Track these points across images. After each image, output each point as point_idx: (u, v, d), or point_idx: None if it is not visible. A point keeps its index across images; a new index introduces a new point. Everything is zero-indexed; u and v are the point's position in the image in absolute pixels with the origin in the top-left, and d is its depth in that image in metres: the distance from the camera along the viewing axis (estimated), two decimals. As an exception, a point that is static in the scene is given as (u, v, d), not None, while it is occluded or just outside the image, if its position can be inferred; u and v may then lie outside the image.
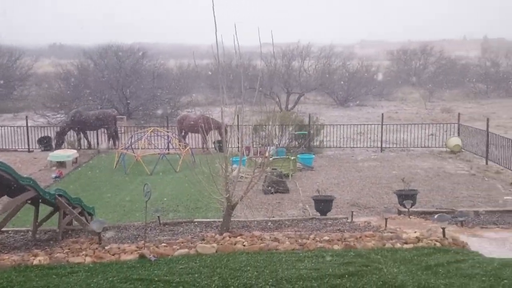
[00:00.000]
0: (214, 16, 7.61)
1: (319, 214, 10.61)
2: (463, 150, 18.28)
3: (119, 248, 7.17)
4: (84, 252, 7.05)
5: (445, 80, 41.83)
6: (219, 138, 16.52)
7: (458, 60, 47.57)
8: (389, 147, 19.58)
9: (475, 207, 11.11)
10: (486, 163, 16.16)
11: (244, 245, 7.06)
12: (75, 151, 18.34)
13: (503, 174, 14.65)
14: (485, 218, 9.85)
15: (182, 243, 7.32)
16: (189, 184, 13.62)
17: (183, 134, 19.95)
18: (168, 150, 18.46)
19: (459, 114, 20.84)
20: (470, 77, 41.87)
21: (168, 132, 19.21)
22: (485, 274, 5.80)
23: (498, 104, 34.33)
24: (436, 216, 7.80)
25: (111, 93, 29.42)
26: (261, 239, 7.31)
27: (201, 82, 36.68)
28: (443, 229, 7.34)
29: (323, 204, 10.77)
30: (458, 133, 19.31)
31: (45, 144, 20.12)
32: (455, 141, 18.54)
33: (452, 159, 17.27)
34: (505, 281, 5.64)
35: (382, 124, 19.62)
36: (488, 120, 17.27)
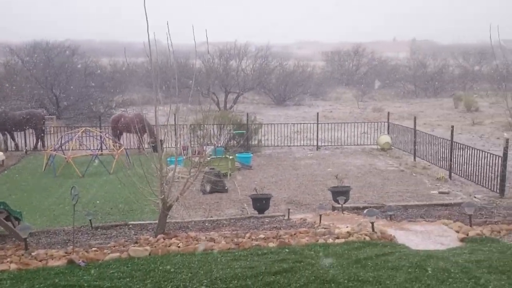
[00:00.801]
0: (146, 13, 7.44)
1: (257, 213, 10.69)
2: (392, 147, 19.08)
3: (46, 253, 6.85)
4: (9, 259, 6.67)
5: (376, 80, 43.58)
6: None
7: (388, 61, 49.69)
8: (325, 145, 20.09)
9: (404, 201, 11.60)
10: (414, 160, 16.96)
11: (179, 247, 6.97)
12: (1, 153, 17.31)
13: (429, 170, 15.43)
14: (412, 212, 10.29)
15: (114, 247, 7.10)
16: (124, 185, 13.30)
17: (117, 134, 19.38)
18: (101, 151, 17.86)
19: (388, 113, 21.74)
20: (400, 77, 43.84)
21: (101, 132, 18.59)
22: (411, 265, 6.08)
23: (426, 103, 36.20)
24: (365, 211, 8.08)
25: (40, 92, 28.03)
26: (197, 240, 7.25)
27: (137, 81, 35.84)
28: (372, 223, 7.62)
29: (261, 203, 10.86)
30: (388, 131, 20.15)
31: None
32: (385, 139, 19.33)
33: (383, 156, 17.99)
34: (429, 272, 5.95)
35: (317, 123, 20.09)
36: (415, 118, 18.14)
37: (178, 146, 16.62)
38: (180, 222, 9.69)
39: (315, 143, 19.93)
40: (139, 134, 13.51)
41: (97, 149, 17.99)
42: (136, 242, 7.34)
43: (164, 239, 7.41)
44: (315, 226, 8.68)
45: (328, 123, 21.69)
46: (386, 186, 13.42)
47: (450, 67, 45.80)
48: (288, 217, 10.02)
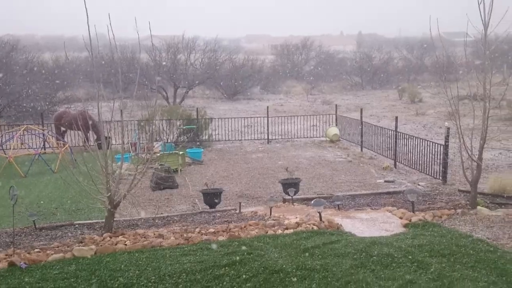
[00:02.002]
0: (85, 5, 7.17)
1: (208, 208, 10.64)
2: (341, 139, 19.51)
3: (-15, 257, 6.51)
4: None
5: (324, 73, 44.31)
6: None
7: (336, 54, 50.61)
8: (275, 139, 20.25)
9: (352, 191, 11.92)
10: (361, 150, 17.42)
11: (126, 245, 6.82)
12: None
13: (376, 160, 15.90)
14: (360, 201, 10.60)
15: (58, 247, 6.86)
16: (68, 184, 12.85)
17: (61, 131, 18.69)
18: (45, 150, 17.18)
19: (336, 105, 22.21)
20: (347, 70, 44.78)
21: (43, 130, 17.86)
22: (356, 252, 6.25)
23: (372, 95, 37.21)
24: (313, 201, 8.21)
25: (-23, 89, 26.56)
26: (145, 237, 7.13)
27: (81, 76, 34.67)
28: (320, 213, 7.77)
29: (212, 197, 10.83)
30: (336, 123, 20.57)
31: None
32: (333, 131, 19.74)
33: (332, 148, 18.36)
34: (374, 257, 6.13)
35: (268, 117, 20.21)
36: (361, 110, 18.61)
37: (125, 142, 16.33)
38: (129, 219, 9.50)
39: (266, 136, 20.05)
40: (83, 131, 13.09)
41: (40, 147, 17.29)
42: (81, 242, 7.12)
43: (110, 237, 7.23)
44: (266, 218, 8.75)
45: (278, 117, 21.87)
46: (335, 176, 13.71)
47: (395, 60, 47.24)
48: (240, 210, 10.05)
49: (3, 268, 6.11)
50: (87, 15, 7.22)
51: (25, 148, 17.07)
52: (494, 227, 7.65)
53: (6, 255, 6.56)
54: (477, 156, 9.19)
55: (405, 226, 7.89)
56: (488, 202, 9.67)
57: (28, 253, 6.58)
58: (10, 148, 15.76)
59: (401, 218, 8.32)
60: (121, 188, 8.46)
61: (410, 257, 6.15)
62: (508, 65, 36.74)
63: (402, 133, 15.15)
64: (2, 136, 16.60)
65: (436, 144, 12.85)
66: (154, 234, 7.25)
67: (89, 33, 7.22)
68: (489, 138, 9.17)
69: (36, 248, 6.85)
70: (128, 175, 11.50)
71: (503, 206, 9.46)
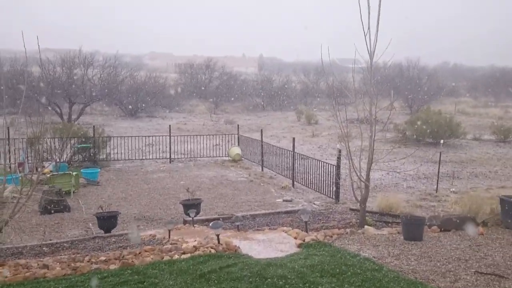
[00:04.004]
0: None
1: (103, 232, 10.13)
2: (243, 158, 19.80)
3: None
4: None
5: (228, 93, 44.96)
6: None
7: (238, 75, 51.68)
8: (178, 158, 19.99)
9: (252, 210, 12.07)
10: (262, 170, 17.80)
11: (5, 277, 6.22)
12: None
13: (276, 179, 16.31)
14: (260, 220, 10.76)
15: None
16: None
17: None
18: None
19: (238, 125, 22.56)
20: (249, 91, 45.87)
21: None
22: (252, 275, 6.29)
23: (272, 116, 38.39)
24: (211, 224, 8.17)
25: None
26: (27, 267, 6.55)
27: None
28: (218, 235, 7.74)
29: (107, 221, 10.32)
30: (239, 143, 20.87)
31: None
32: (235, 150, 19.98)
33: (234, 167, 18.53)
34: (268, 280, 6.21)
35: (170, 136, 19.92)
36: (262, 131, 19.08)
37: (12, 162, 15.08)
38: (13, 247, 8.72)
39: (168, 156, 19.71)
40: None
41: None
42: (-47, 276, 6.37)
43: (-12, 269, 6.56)
44: (164, 242, 8.52)
45: (181, 136, 21.66)
46: (237, 196, 13.82)
47: (293, 83, 49.44)
48: (137, 234, 9.67)
49: None
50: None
51: None
52: (379, 246, 8.16)
53: None
54: (365, 177, 9.80)
55: (299, 246, 8.13)
56: (376, 220, 10.33)
57: None
58: None
59: (295, 238, 8.56)
60: (4, 212, 7.75)
61: (302, 278, 6.33)
62: (394, 91, 40.05)
63: (299, 154, 15.76)
64: None
65: (329, 165, 13.52)
66: (38, 264, 6.69)
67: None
68: (376, 160, 9.84)
69: None
70: (13, 198, 10.60)
71: (389, 224, 10.17)
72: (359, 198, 9.87)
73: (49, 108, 29.58)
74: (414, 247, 8.09)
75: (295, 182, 15.29)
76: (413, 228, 8.62)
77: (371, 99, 9.63)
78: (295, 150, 15.69)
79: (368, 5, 9.11)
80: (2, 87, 8.68)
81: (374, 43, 9.31)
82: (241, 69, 61.40)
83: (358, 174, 9.68)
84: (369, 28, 9.19)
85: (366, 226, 9.36)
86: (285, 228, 9.35)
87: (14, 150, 16.54)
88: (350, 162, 9.62)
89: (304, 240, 8.32)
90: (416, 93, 39.66)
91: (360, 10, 9.14)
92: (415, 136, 23.42)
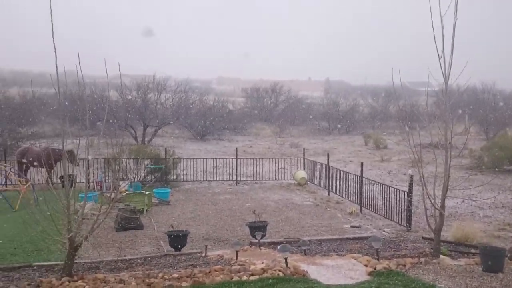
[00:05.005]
0: (54, 44, 7.19)
1: (173, 250, 10.42)
2: (308, 182, 19.68)
3: None
4: None
5: (293, 117, 45.14)
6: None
7: (304, 99, 51.80)
8: (244, 180, 20.25)
9: (318, 235, 11.93)
10: (328, 194, 17.58)
11: (85, 290, 6.57)
12: None
13: (342, 204, 16.04)
14: (326, 246, 10.59)
15: (13, 292, 6.54)
16: (29, 224, 12.37)
17: (23, 168, 18.16)
18: (6, 186, 16.61)
19: (304, 149, 22.52)
20: (315, 115, 45.78)
21: (5, 166, 17.32)
22: (322, 300, 6.20)
23: (339, 140, 37.94)
24: (279, 247, 8.17)
25: None
26: (105, 282, 6.88)
27: (49, 113, 34.15)
28: (286, 259, 7.72)
29: (178, 239, 10.61)
30: (304, 166, 20.80)
31: None
32: (301, 174, 19.91)
33: (299, 191, 18.46)
34: (337, 306, 6.10)
35: (236, 158, 20.27)
36: (328, 155, 18.92)
37: (91, 181, 15.96)
38: (90, 262, 9.18)
39: (234, 178, 20.02)
40: (47, 169, 12.77)
41: (0, 184, 16.70)
42: (38, 286, 6.81)
43: (69, 281, 6.95)
44: (232, 262, 8.62)
45: (247, 158, 21.97)
46: (302, 220, 13.72)
47: (360, 107, 48.71)
48: (205, 254, 9.87)
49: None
50: (55, 53, 7.23)
51: (-16, 185, 16.45)
52: (456, 277, 7.76)
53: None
54: (439, 204, 9.40)
55: (370, 274, 7.90)
56: (451, 250, 9.84)
57: (-19, 297, 6.25)
58: (-31, 184, 15.19)
59: (366, 265, 8.34)
60: (83, 228, 8.21)
61: (374, 306, 6.15)
62: (469, 116, 38.38)
63: (368, 179, 15.42)
64: (-40, 171, 16.00)
65: (401, 191, 13.10)
66: (115, 279, 7.01)
67: (57, 71, 7.22)
68: (451, 187, 9.44)
69: (-10, 292, 6.52)
70: (92, 215, 11.21)
71: (465, 254, 9.64)
72: (433, 227, 9.47)
73: (125, 130, 31.17)
74: (494, 279, 7.62)
75: (363, 208, 14.94)
76: (493, 259, 8.13)
77: (446, 124, 9.31)
78: (363, 175, 15.38)
79: (442, 27, 8.91)
80: (87, 110, 9.33)
81: (449, 65, 9.06)
82: (307, 93, 61.51)
83: (432, 201, 9.31)
84: (443, 51, 8.96)
85: (441, 256, 8.94)
86: (354, 254, 9.14)
87: (93, 170, 17.53)
88: (424, 188, 9.29)
89: (375, 268, 8.08)
90: (492, 117, 37.73)
91: (434, 32, 8.96)
92: (492, 163, 22.17)
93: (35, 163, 17.16)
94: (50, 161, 13.16)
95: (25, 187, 15.36)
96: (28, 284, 7.09)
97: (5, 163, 18.36)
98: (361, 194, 15.07)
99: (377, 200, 14.37)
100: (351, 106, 46.49)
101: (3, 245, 10.97)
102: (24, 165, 18.14)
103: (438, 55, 9.02)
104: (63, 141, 7.91)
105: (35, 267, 8.70)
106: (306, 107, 48.34)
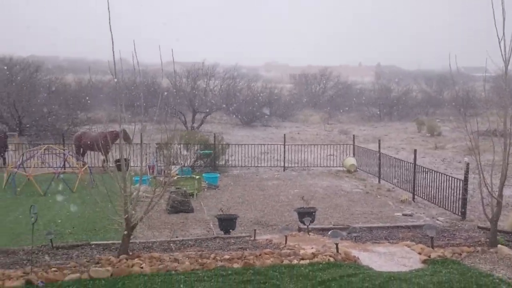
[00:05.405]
0: (111, 32, 7.41)
1: (223, 233, 10.62)
2: (358, 169, 19.40)
3: (3, 274, 6.57)
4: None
5: (342, 103, 44.38)
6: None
7: (354, 85, 50.76)
8: (292, 166, 20.23)
9: (369, 223, 11.79)
10: (379, 182, 17.28)
11: (141, 268, 6.82)
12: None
13: (393, 192, 15.74)
14: (377, 233, 10.45)
15: (74, 267, 6.89)
16: (87, 204, 12.97)
17: (81, 152, 18.98)
18: (64, 169, 17.43)
19: (354, 136, 22.18)
20: (365, 101, 44.81)
21: (64, 150, 18.16)
22: (374, 287, 6.14)
23: (390, 127, 37.06)
24: (329, 232, 8.13)
25: (2, 108, 27.31)
26: (160, 260, 7.12)
27: (103, 99, 35.40)
28: (336, 244, 7.68)
29: (227, 223, 10.81)
30: (354, 153, 20.50)
31: None
32: (351, 161, 19.65)
33: (348, 178, 18.25)
34: (392, 293, 6.02)
35: (284, 144, 20.27)
36: (379, 141, 18.55)
37: (144, 165, 16.47)
38: (144, 242, 9.52)
39: (282, 164, 20.05)
40: (103, 152, 13.28)
41: (59, 167, 17.55)
42: (98, 263, 7.14)
43: (126, 259, 7.24)
44: (281, 247, 8.68)
45: (295, 145, 21.89)
46: (352, 207, 13.59)
47: (413, 92, 47.13)
48: (254, 238, 9.99)
49: (21, 286, 6.15)
50: (113, 41, 7.45)
51: (45, 167, 17.33)
52: (515, 267, 7.47)
53: (23, 273, 6.62)
54: (497, 193, 9.04)
55: (424, 262, 7.74)
56: (508, 240, 9.45)
57: (45, 272, 6.62)
58: (31, 167, 16.04)
59: (420, 253, 8.17)
60: (138, 210, 8.51)
61: (428, 294, 6.03)
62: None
63: (421, 166, 15.01)
64: (23, 154, 16.91)
65: (456, 179, 12.70)
66: (170, 258, 7.24)
67: (114, 58, 7.43)
68: (509, 176, 9.03)
69: (53, 267, 6.89)
70: (145, 197, 11.60)
71: (524, 245, 9.24)
72: (489, 216, 9.12)
73: (175, 116, 31.83)
74: (556, 271, 7.27)
75: (415, 196, 14.59)
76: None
77: (505, 110, 8.88)
78: (416, 163, 14.98)
79: (503, 9, 8.45)
80: (141, 94, 9.68)
81: (510, 49, 8.60)
82: (357, 78, 60.27)
83: (490, 189, 8.96)
84: (503, 34, 8.51)
85: (499, 245, 8.61)
86: (407, 242, 8.96)
87: (145, 154, 18.08)
88: (481, 176, 8.94)
89: (429, 256, 7.90)
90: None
91: (494, 14, 8.51)
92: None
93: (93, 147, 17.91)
94: (107, 146, 13.67)
95: (82, 169, 16.08)
96: (88, 261, 7.44)
97: (64, 146, 19.23)
98: (414, 182, 14.71)
99: (430, 188, 13.98)
100: (404, 92, 45.10)
101: (63, 224, 11.58)
102: (81, 149, 18.95)
103: (498, 38, 8.58)
104: (120, 126, 8.19)
105: (93, 246, 9.11)
106: (356, 92, 47.37)
